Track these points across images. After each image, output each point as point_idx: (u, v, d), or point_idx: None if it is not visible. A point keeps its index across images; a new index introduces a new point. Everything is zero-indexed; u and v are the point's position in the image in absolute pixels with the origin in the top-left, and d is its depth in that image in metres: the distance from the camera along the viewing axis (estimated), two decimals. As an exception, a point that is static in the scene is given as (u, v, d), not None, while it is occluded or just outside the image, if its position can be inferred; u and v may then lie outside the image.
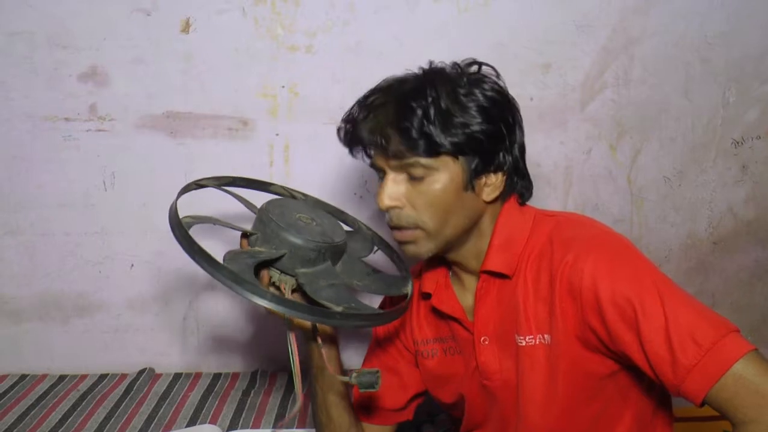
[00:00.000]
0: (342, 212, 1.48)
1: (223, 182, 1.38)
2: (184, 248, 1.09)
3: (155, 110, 1.88)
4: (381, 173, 1.22)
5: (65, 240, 1.95)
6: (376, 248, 1.37)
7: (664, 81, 1.94)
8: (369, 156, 1.24)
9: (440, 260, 1.33)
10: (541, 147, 1.94)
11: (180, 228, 1.12)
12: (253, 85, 1.87)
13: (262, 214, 1.22)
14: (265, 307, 1.04)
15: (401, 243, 1.22)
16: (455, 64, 1.23)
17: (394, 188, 1.19)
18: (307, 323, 1.22)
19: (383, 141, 1.16)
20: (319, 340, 1.23)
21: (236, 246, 1.22)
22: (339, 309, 1.10)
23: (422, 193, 1.17)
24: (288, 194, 1.43)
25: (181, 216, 1.16)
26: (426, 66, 1.24)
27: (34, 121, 1.87)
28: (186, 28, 1.84)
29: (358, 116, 1.21)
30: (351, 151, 1.26)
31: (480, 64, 1.24)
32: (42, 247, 1.96)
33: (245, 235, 1.23)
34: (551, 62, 1.89)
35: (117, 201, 1.93)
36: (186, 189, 1.28)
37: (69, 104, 1.87)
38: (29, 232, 1.95)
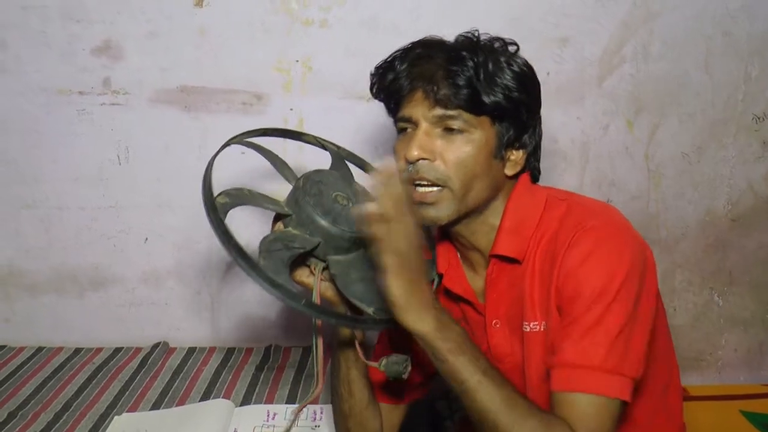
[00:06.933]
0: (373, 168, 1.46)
1: (255, 134, 1.29)
2: (219, 238, 1.02)
3: (169, 84, 1.88)
4: (407, 126, 1.20)
5: (80, 214, 1.96)
6: None
7: (683, 55, 1.90)
8: (395, 109, 1.23)
9: (446, 239, 1.31)
10: (558, 122, 1.92)
11: (214, 212, 1.04)
12: (268, 59, 1.86)
13: (298, 195, 1.17)
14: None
15: (421, 204, 1.18)
16: (497, 38, 1.23)
17: (426, 140, 1.17)
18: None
19: (433, 87, 1.15)
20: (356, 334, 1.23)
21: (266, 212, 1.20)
22: (370, 310, 1.09)
23: (456, 149, 1.16)
24: (320, 144, 1.41)
25: (215, 193, 1.08)
26: (467, 33, 1.24)
27: (49, 95, 1.87)
28: (200, 1, 1.82)
29: (399, 66, 1.20)
30: (381, 99, 1.26)
31: (516, 44, 1.24)
32: (57, 221, 1.97)
33: (277, 217, 1.19)
34: (569, 36, 1.86)
35: (131, 175, 1.93)
36: (217, 153, 1.18)
37: (83, 78, 1.87)
38: (45, 206, 1.96)
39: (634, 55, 1.89)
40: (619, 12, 1.86)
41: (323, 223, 1.14)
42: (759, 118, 1.96)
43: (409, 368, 1.14)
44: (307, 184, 1.19)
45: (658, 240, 2.02)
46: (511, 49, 1.23)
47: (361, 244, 1.18)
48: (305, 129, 1.88)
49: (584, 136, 1.94)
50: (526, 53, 1.86)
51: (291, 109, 1.89)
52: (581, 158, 1.95)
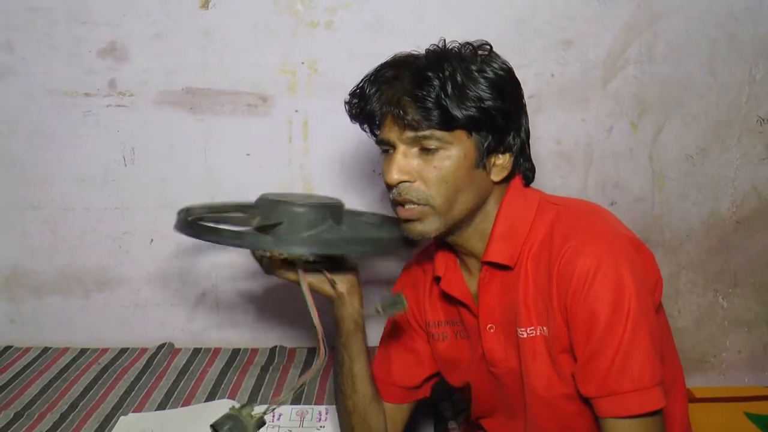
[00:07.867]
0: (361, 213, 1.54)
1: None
2: (180, 228, 1.23)
3: (174, 86, 1.88)
4: (388, 148, 1.20)
5: (86, 215, 1.97)
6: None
7: (687, 58, 1.90)
8: (376, 131, 1.24)
9: (446, 245, 1.31)
10: (562, 124, 1.92)
11: (179, 215, 1.27)
12: (273, 61, 1.87)
13: (258, 201, 1.28)
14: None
15: (407, 221, 1.20)
16: (466, 44, 1.21)
17: (404, 162, 1.17)
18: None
19: (400, 111, 1.14)
20: (338, 288, 1.25)
21: None
22: (338, 236, 1.18)
23: (435, 167, 1.15)
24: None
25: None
26: (435, 45, 1.22)
27: (54, 97, 1.88)
28: (205, 3, 1.83)
29: (369, 90, 1.20)
30: (361, 125, 1.28)
31: (489, 45, 1.22)
32: (63, 222, 1.98)
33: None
34: (573, 38, 1.87)
35: (136, 176, 1.94)
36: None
37: (89, 80, 1.88)
38: (50, 207, 1.96)
39: (638, 57, 1.89)
40: (623, 14, 1.86)
41: (285, 205, 1.22)
42: (763, 120, 1.96)
43: (405, 303, 1.16)
44: (264, 194, 1.30)
45: (662, 242, 2.02)
46: (485, 50, 1.20)
47: (327, 215, 1.24)
48: (309, 130, 1.90)
49: (588, 137, 1.94)
50: (530, 55, 1.87)
51: (296, 111, 1.90)
52: (585, 160, 1.96)
